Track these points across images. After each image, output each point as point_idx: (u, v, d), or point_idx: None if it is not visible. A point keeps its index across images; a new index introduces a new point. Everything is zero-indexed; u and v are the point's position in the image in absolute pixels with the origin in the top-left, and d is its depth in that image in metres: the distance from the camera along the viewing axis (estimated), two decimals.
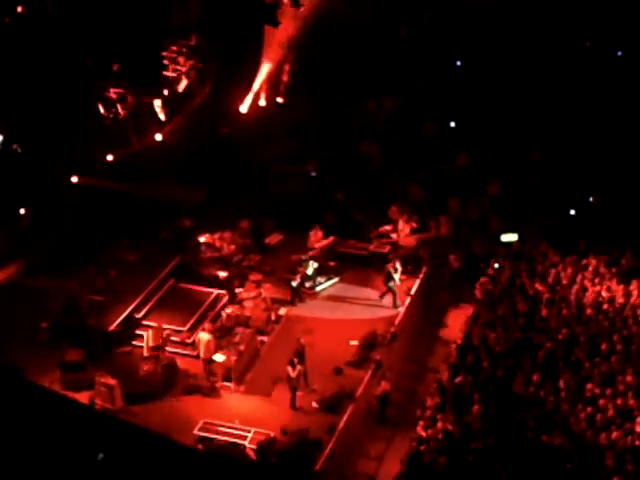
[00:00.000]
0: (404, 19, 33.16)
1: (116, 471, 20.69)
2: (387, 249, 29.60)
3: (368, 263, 29.47)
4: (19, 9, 27.20)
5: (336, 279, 28.97)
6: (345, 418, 22.95)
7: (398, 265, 27.73)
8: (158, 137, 29.97)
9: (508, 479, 19.89)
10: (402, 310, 26.83)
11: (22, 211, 26.89)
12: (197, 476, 20.86)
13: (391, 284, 27.60)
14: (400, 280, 27.76)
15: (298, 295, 28.08)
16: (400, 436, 22.99)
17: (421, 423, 22.03)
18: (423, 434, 21.62)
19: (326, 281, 28.75)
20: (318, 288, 28.50)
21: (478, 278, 27.17)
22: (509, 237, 27.85)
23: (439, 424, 21.71)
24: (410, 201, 30.82)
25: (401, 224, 30.14)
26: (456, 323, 26.37)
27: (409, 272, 28.60)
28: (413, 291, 27.80)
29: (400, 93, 32.99)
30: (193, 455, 22.03)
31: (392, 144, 32.56)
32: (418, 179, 31.29)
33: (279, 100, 31.91)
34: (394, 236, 30.00)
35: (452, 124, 32.41)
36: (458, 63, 32.88)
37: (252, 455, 22.25)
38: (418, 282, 28.20)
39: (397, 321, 26.47)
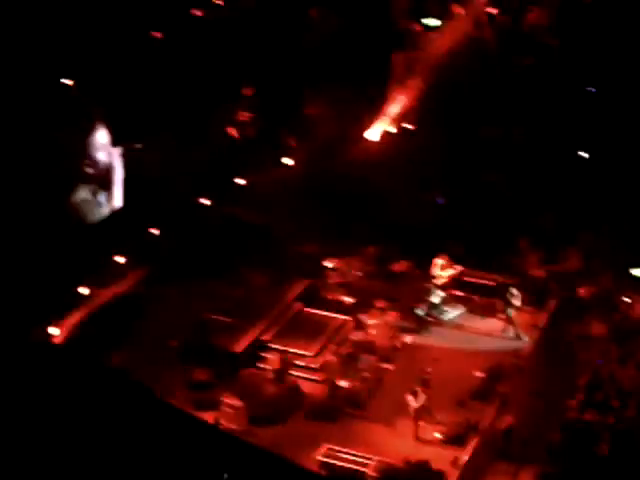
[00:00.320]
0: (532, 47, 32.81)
1: None
2: (514, 280, 29.22)
3: (495, 293, 29.14)
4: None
5: (462, 309, 28.74)
6: (469, 451, 22.73)
7: (515, 291, 27.37)
8: (289, 161, 30.36)
9: None
10: (527, 340, 26.43)
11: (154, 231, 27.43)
12: None
13: (509, 311, 27.20)
14: (520, 309, 27.36)
15: (424, 323, 27.97)
16: (525, 472, 22.62)
17: (546, 459, 21.70)
18: (549, 470, 21.29)
19: (452, 310, 28.55)
20: (444, 317, 28.33)
21: (608, 312, 26.65)
22: None
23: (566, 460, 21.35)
24: (539, 232, 30.36)
25: (529, 255, 29.72)
26: (584, 358, 25.80)
27: (537, 304, 28.21)
28: (541, 324, 27.39)
29: (527, 122, 32.55)
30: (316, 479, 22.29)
31: (520, 174, 32.16)
32: (548, 210, 30.79)
33: (407, 126, 31.82)
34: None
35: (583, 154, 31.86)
36: (593, 90, 32.28)
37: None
38: (546, 315, 27.74)
39: (524, 354, 26.10)
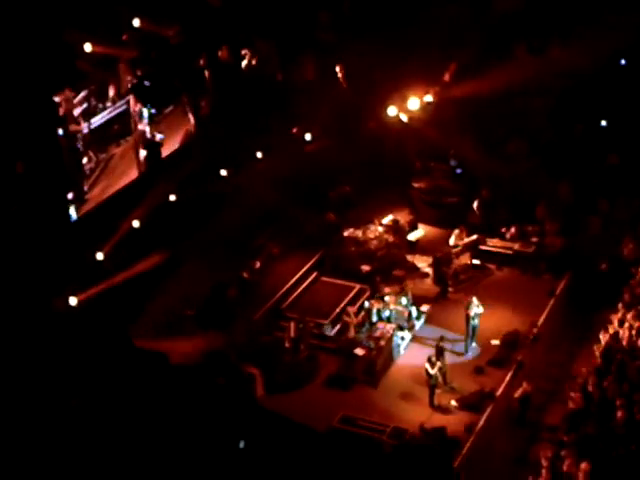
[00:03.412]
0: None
1: (257, 457, 21.23)
2: (532, 249, 29.16)
3: (513, 262, 29.09)
4: None
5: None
6: (484, 418, 22.79)
7: (475, 300, 25.91)
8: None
9: None
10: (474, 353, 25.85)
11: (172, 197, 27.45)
12: (335, 464, 21.25)
13: (473, 323, 25.86)
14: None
15: (444, 291, 28.02)
16: (540, 439, 22.66)
17: (562, 427, 21.72)
18: (564, 438, 21.31)
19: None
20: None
21: (626, 281, 26.54)
22: None
23: (581, 429, 21.36)
24: (558, 201, 30.24)
25: (547, 224, 29.62)
26: (602, 327, 25.72)
27: (554, 273, 28.15)
28: (557, 292, 27.33)
29: (551, 92, 32.31)
30: (332, 444, 22.47)
31: (541, 143, 31.99)
32: (567, 179, 30.62)
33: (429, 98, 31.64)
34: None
35: (603, 123, 31.63)
36: (622, 62, 31.97)
37: (389, 450, 22.32)
38: (563, 283, 27.68)
39: (540, 322, 26.08)
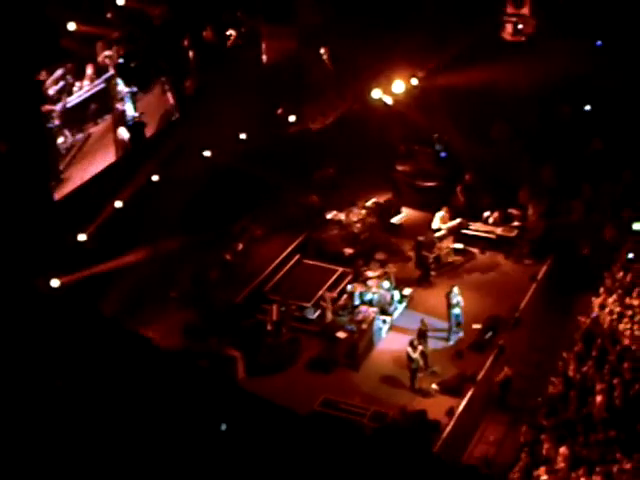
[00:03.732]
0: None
1: (238, 441, 21.21)
2: (515, 233, 29.23)
3: (496, 246, 29.16)
4: None
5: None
6: (465, 401, 22.90)
7: (456, 290, 25.94)
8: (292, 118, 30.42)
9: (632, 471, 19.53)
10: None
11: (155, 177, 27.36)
12: (316, 447, 21.26)
13: (454, 311, 25.79)
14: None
15: (426, 275, 28.05)
16: (520, 423, 22.76)
17: (542, 411, 21.81)
18: (544, 422, 21.41)
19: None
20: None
21: (608, 266, 26.65)
22: None
23: (561, 413, 21.46)
24: (541, 185, 30.28)
25: (530, 208, 29.67)
26: (583, 311, 25.84)
27: (537, 257, 28.25)
28: (539, 277, 27.42)
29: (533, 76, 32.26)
30: (313, 427, 22.46)
31: (524, 126, 32.00)
32: (550, 163, 30.67)
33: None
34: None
35: (587, 107, 31.66)
36: (598, 43, 31.97)
37: (370, 432, 22.38)
38: (545, 267, 27.77)
39: (522, 306, 26.17)
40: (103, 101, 26.25)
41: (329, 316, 26.09)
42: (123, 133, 26.75)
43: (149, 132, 27.50)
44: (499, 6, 32.59)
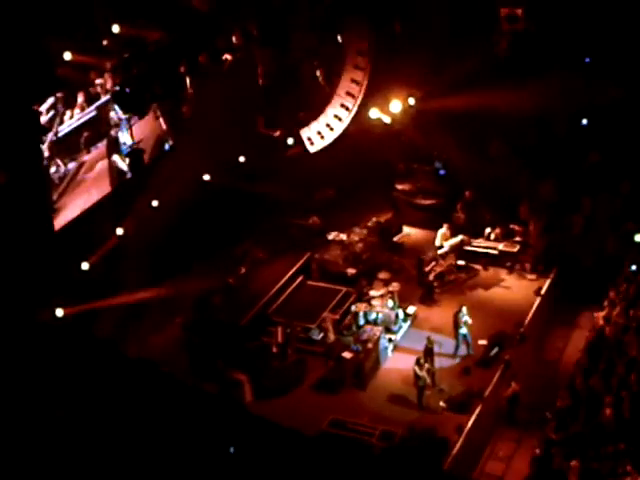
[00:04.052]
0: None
1: (247, 463, 21.14)
2: (517, 248, 29.25)
3: (498, 262, 29.16)
4: None
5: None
6: (473, 418, 22.84)
7: (464, 310, 25.87)
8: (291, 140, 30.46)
9: None
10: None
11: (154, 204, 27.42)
12: (325, 468, 21.19)
13: (462, 331, 25.76)
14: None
15: (429, 293, 28.03)
16: (529, 438, 22.71)
17: (551, 425, 21.75)
18: (553, 436, 21.35)
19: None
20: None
21: (611, 279, 26.66)
22: None
23: (570, 427, 21.40)
24: (541, 200, 30.32)
25: (531, 223, 29.70)
26: (588, 324, 25.83)
27: (539, 272, 28.26)
28: (543, 291, 27.42)
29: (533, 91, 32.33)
30: (322, 448, 22.40)
31: (523, 142, 32.06)
32: (549, 178, 30.72)
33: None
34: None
35: (584, 121, 31.75)
36: (587, 60, 32.09)
37: (379, 452, 22.31)
38: (548, 282, 27.78)
39: (527, 321, 26.16)
40: (95, 129, 26.04)
41: (331, 337, 26.06)
42: (118, 160, 26.70)
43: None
44: (494, 24, 32.64)
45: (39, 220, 24.23)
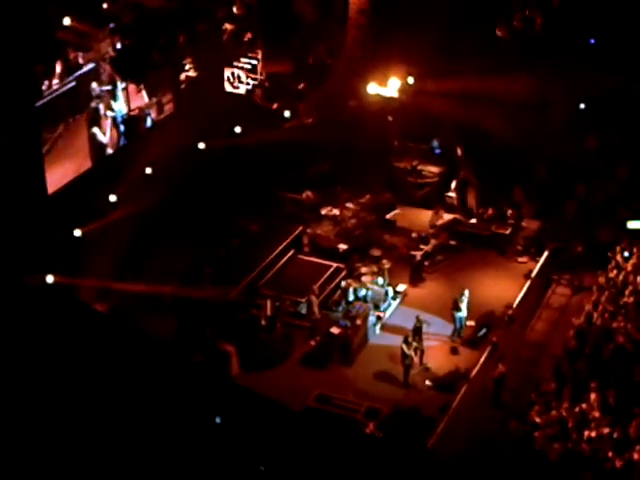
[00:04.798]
0: None
1: (232, 435, 21.22)
2: (509, 230, 29.28)
3: (489, 243, 29.18)
4: None
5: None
6: (458, 398, 22.92)
7: (466, 293, 25.80)
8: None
9: (623, 470, 19.60)
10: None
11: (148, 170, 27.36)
12: (310, 443, 21.29)
13: (459, 314, 25.69)
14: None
15: (418, 272, 28.05)
16: (514, 420, 22.79)
17: (536, 408, 21.85)
18: (537, 420, 21.45)
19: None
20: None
21: (602, 264, 26.74)
22: (636, 224, 27.23)
23: (554, 411, 21.50)
24: (535, 183, 30.32)
25: (524, 206, 29.72)
26: (577, 309, 25.92)
27: (531, 254, 28.30)
28: (534, 274, 27.48)
29: (528, 74, 32.22)
30: (307, 423, 22.51)
31: (519, 125, 31.97)
32: (544, 161, 30.71)
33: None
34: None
35: (582, 106, 31.68)
36: (592, 41, 31.93)
37: (364, 428, 22.40)
38: (539, 265, 27.83)
39: (515, 303, 26.24)
40: (74, 100, 25.66)
41: (316, 313, 26.10)
42: (97, 133, 26.38)
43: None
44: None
45: (33, 183, 24.18)
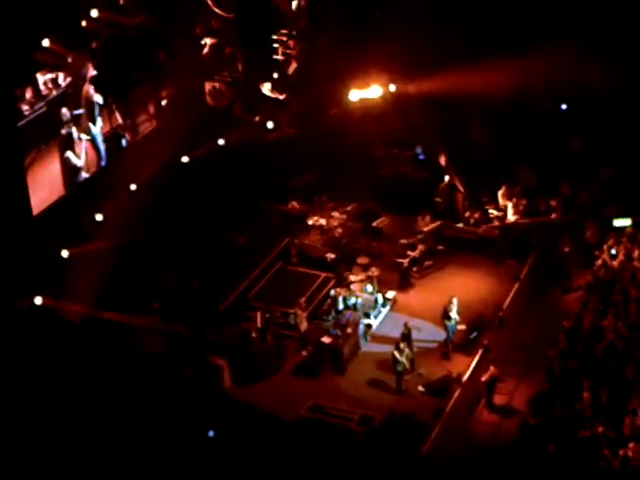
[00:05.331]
0: None
1: (226, 448, 21.22)
2: (496, 233, 29.31)
3: (476, 247, 29.21)
4: None
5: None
6: (452, 402, 22.92)
7: (455, 300, 25.60)
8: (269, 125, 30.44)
9: (618, 468, 19.61)
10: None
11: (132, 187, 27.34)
12: (304, 454, 21.29)
13: (450, 323, 25.46)
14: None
15: (406, 279, 28.05)
16: (507, 421, 22.82)
17: (529, 409, 21.87)
18: (531, 421, 21.47)
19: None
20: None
21: (589, 263, 26.79)
22: (622, 222, 27.33)
23: (547, 411, 21.53)
24: (520, 184, 30.38)
25: (510, 208, 29.78)
26: (566, 309, 25.96)
27: (518, 256, 28.36)
28: (522, 276, 27.52)
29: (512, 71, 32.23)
30: (301, 434, 22.52)
31: (503, 126, 32.08)
32: (529, 162, 30.79)
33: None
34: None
35: (564, 106, 31.81)
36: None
37: (359, 437, 22.38)
38: (527, 267, 27.88)
39: (505, 305, 26.26)
40: (45, 126, 25.12)
41: (303, 326, 26.10)
42: (71, 157, 26.02)
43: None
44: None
45: (16, 205, 24.11)
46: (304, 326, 26.12)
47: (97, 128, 26.59)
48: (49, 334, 23.36)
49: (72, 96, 25.83)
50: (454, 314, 25.48)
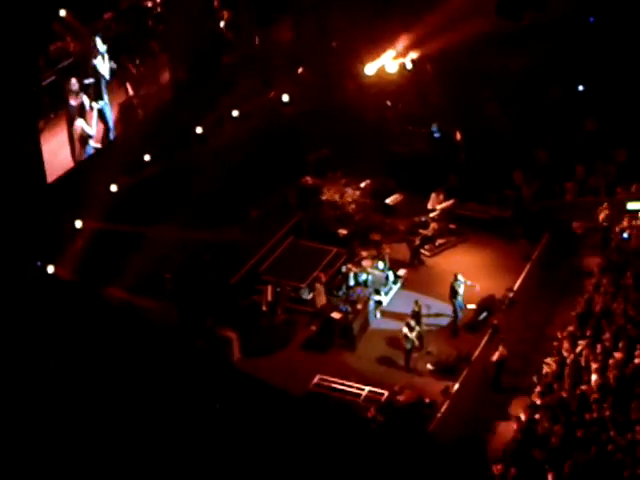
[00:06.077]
0: None
1: (232, 420, 21.30)
2: (509, 213, 29.25)
3: (489, 226, 29.16)
4: None
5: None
6: (460, 381, 22.96)
7: (460, 277, 25.70)
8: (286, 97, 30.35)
9: (624, 451, 19.60)
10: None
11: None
12: (311, 428, 21.36)
13: (458, 300, 25.59)
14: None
15: (417, 257, 28.04)
16: (515, 403, 22.84)
17: (537, 391, 21.88)
18: (538, 402, 21.47)
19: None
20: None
21: (602, 245, 26.73)
22: (636, 205, 27.22)
23: (555, 393, 21.53)
24: (535, 166, 30.28)
25: (524, 189, 29.69)
26: (577, 291, 25.92)
27: (531, 238, 28.28)
28: (534, 256, 27.48)
29: (527, 52, 32.09)
30: (308, 408, 22.61)
31: (518, 107, 31.94)
32: (544, 144, 30.66)
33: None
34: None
35: (580, 88, 31.63)
36: (591, 20, 31.79)
37: (365, 413, 22.44)
38: (539, 248, 27.82)
39: (516, 286, 26.23)
40: (55, 95, 24.95)
41: (322, 300, 26.09)
42: (83, 125, 25.80)
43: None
44: None
45: (30, 172, 24.13)
46: (322, 300, 26.11)
47: (104, 101, 26.49)
48: (62, 303, 23.47)
49: (82, 66, 25.68)
50: (461, 290, 25.46)
